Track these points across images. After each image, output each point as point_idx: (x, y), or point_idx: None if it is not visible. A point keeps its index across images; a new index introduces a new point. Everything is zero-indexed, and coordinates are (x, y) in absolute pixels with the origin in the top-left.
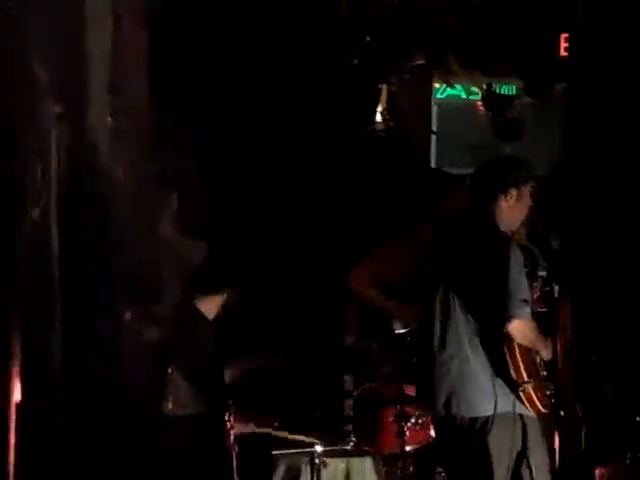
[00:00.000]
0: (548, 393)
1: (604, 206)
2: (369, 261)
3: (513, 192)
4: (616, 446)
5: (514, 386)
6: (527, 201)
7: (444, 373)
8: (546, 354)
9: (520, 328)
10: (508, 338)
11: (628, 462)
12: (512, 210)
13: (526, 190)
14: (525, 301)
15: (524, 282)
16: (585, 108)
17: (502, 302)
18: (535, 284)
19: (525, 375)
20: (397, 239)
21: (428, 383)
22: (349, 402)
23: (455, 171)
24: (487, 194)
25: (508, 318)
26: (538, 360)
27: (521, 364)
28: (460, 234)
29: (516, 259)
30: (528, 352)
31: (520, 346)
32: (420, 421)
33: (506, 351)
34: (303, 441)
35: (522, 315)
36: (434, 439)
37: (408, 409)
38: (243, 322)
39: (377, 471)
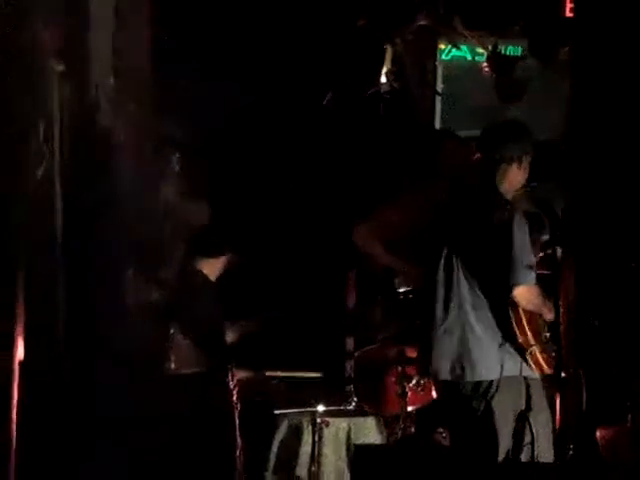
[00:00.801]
0: (553, 354)
1: (608, 169)
2: (375, 218)
3: (520, 159)
4: (617, 408)
5: (521, 349)
6: (527, 167)
7: (448, 337)
8: (550, 317)
9: (525, 294)
10: (513, 303)
11: (629, 424)
12: (516, 175)
13: (529, 157)
14: (530, 267)
15: (528, 248)
16: (591, 69)
17: (507, 268)
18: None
19: (532, 338)
20: (402, 198)
21: (431, 346)
22: (351, 363)
23: (459, 133)
24: (493, 159)
25: (513, 284)
26: (542, 322)
27: (527, 327)
28: (465, 199)
29: (520, 225)
30: (533, 315)
31: (525, 310)
32: (421, 382)
33: (511, 315)
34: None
35: (527, 281)
36: (435, 400)
37: (409, 370)
38: (245, 283)
39: (379, 431)
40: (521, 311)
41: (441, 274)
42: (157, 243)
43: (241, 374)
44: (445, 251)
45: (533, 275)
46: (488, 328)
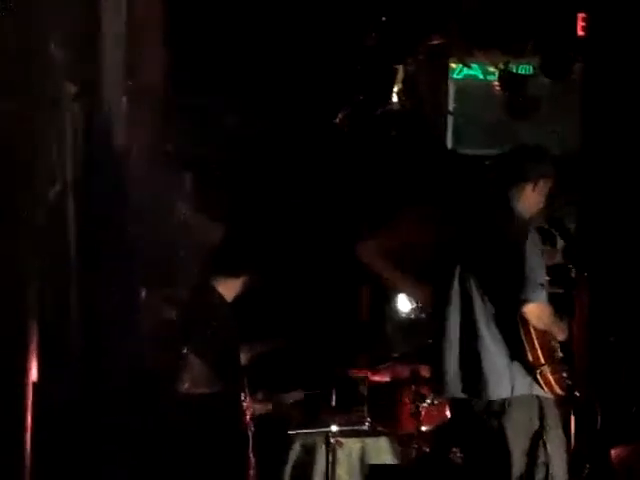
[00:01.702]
0: (565, 375)
1: (622, 187)
2: (381, 234)
3: (539, 182)
4: (632, 427)
5: (531, 369)
6: (547, 190)
7: (459, 355)
8: (562, 337)
9: (535, 312)
10: (524, 321)
11: None
12: (533, 197)
13: (549, 181)
14: (541, 285)
15: (541, 266)
16: (603, 88)
17: (518, 285)
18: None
19: (542, 358)
20: (410, 216)
21: (443, 364)
22: (365, 382)
23: (472, 152)
24: (512, 180)
25: (523, 301)
26: (554, 342)
27: (538, 347)
28: (479, 217)
29: (534, 243)
30: (545, 334)
31: (536, 329)
32: (435, 401)
33: (522, 334)
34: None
35: (537, 299)
36: (450, 419)
37: (423, 389)
38: (260, 304)
39: (392, 451)
40: (532, 330)
41: (454, 291)
42: (172, 262)
43: (259, 405)
44: (458, 268)
45: (544, 293)
46: (500, 346)
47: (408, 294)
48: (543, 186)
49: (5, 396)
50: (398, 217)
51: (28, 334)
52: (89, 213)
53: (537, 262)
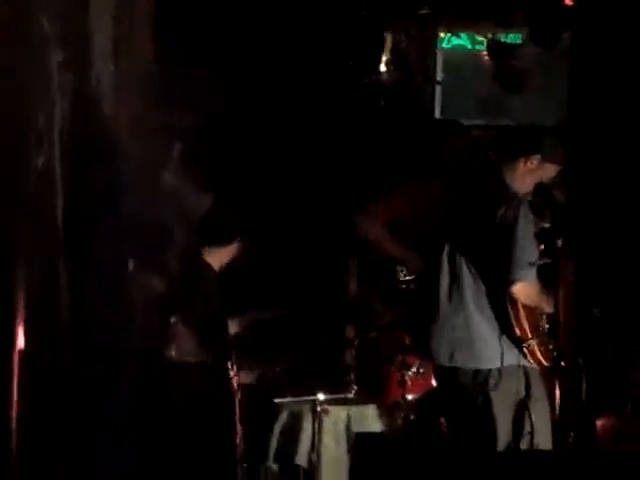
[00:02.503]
0: (551, 347)
1: (609, 157)
2: (378, 205)
3: (535, 160)
4: (617, 397)
5: (518, 342)
6: (544, 170)
7: (448, 325)
8: (550, 310)
9: (524, 291)
10: (512, 298)
11: (628, 413)
12: (528, 175)
13: (547, 162)
14: (531, 264)
15: (532, 244)
16: (591, 57)
17: (507, 264)
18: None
19: (529, 332)
20: (406, 187)
21: (431, 334)
22: (351, 351)
23: (460, 121)
24: (509, 156)
25: (512, 280)
26: (541, 315)
27: (525, 321)
28: (472, 192)
29: (526, 221)
30: (532, 309)
31: (524, 305)
32: (421, 370)
33: (510, 309)
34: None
35: (527, 278)
36: (435, 388)
37: (409, 358)
38: (247, 273)
39: (379, 419)
40: (520, 305)
41: (444, 263)
42: (159, 233)
43: (245, 375)
44: (449, 241)
45: (534, 272)
46: (488, 318)
47: (401, 264)
48: (538, 164)
49: None
50: (396, 188)
51: (15, 303)
52: (76, 182)
53: (529, 241)
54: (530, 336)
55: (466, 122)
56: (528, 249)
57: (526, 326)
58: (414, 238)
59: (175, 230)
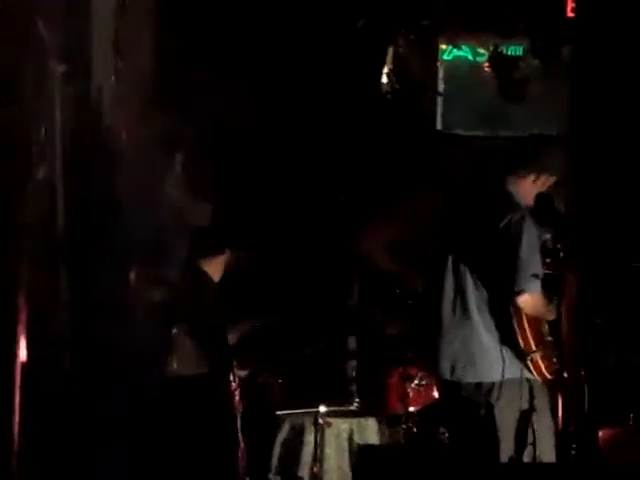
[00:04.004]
0: (555, 360)
1: (610, 167)
2: (379, 224)
3: (543, 177)
4: (619, 408)
5: (522, 354)
6: (548, 184)
7: (451, 338)
8: (552, 318)
9: (529, 302)
10: (517, 309)
11: (631, 424)
12: (532, 189)
13: (552, 177)
14: (536, 275)
15: (536, 256)
16: (592, 69)
17: (512, 275)
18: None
19: (533, 344)
20: (405, 202)
21: (434, 347)
22: (353, 363)
23: (460, 132)
24: (515, 168)
25: (518, 292)
26: (545, 328)
27: (529, 333)
28: (475, 203)
29: (530, 232)
30: (536, 321)
31: (529, 317)
32: (423, 382)
33: (514, 320)
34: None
35: (532, 289)
36: (438, 400)
37: (411, 370)
38: (248, 284)
39: (381, 432)
40: (524, 317)
41: (449, 276)
42: (160, 243)
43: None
44: (453, 253)
45: (538, 284)
46: (491, 331)
47: (401, 282)
48: (545, 180)
49: None
50: (396, 206)
51: (17, 314)
52: (77, 192)
53: (534, 252)
54: (534, 349)
55: (467, 133)
56: (533, 261)
57: (530, 338)
58: (417, 251)
59: (175, 240)
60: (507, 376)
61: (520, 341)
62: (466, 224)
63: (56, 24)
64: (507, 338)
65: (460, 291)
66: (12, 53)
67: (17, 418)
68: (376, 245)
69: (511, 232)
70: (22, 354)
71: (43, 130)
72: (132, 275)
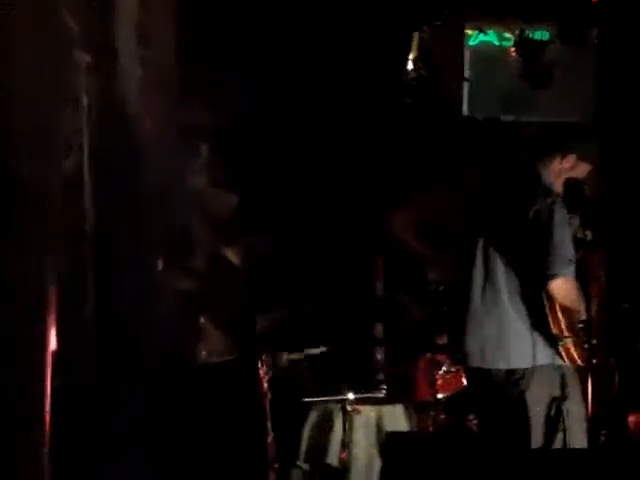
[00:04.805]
0: (586, 346)
1: (639, 152)
2: (409, 205)
3: (571, 158)
4: None
5: (554, 340)
6: (579, 169)
7: (481, 324)
8: (583, 306)
9: (563, 287)
10: (549, 295)
11: None
12: (563, 173)
13: (584, 163)
14: (570, 260)
15: (569, 241)
16: (619, 53)
17: (545, 259)
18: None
19: (565, 330)
20: (437, 185)
21: (464, 333)
22: (381, 350)
23: (488, 117)
24: (545, 152)
25: (552, 276)
26: (576, 314)
27: (561, 319)
28: (506, 188)
29: (562, 216)
30: (568, 307)
31: (561, 301)
32: (452, 369)
33: (547, 305)
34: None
35: (565, 273)
36: (466, 387)
37: (440, 357)
38: (275, 271)
39: (409, 418)
40: (557, 302)
41: (479, 260)
42: (187, 232)
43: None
44: (483, 238)
45: (572, 268)
46: (523, 317)
47: (433, 265)
48: (574, 163)
49: (25, 365)
50: (428, 187)
51: (46, 304)
52: (104, 183)
53: (566, 237)
54: (566, 334)
55: (493, 118)
56: (566, 245)
57: (563, 323)
58: (447, 236)
59: (202, 229)
60: (539, 362)
61: (552, 327)
62: (497, 209)
63: (83, 14)
64: (539, 324)
65: (490, 276)
66: (39, 45)
67: (48, 405)
68: (405, 224)
69: (542, 217)
70: (52, 343)
71: (69, 120)
72: (159, 264)
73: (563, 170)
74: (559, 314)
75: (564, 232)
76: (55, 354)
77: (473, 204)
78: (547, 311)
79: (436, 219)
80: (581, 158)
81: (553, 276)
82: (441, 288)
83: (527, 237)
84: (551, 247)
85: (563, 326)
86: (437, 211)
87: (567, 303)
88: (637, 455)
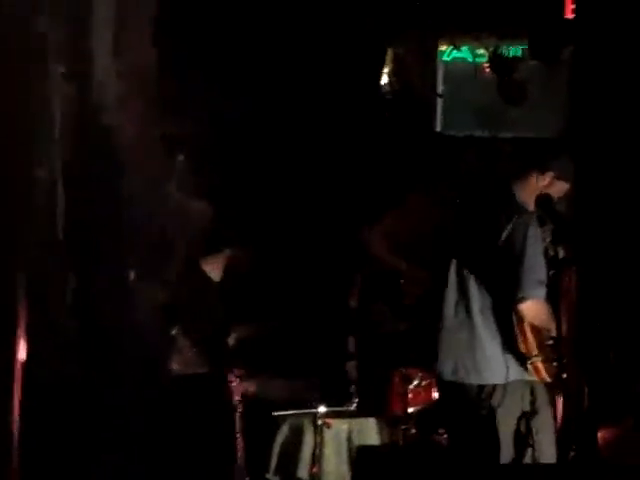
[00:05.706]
0: (554, 364)
1: (610, 168)
2: (384, 221)
3: (548, 177)
4: (619, 409)
5: (522, 358)
6: (555, 187)
7: (453, 340)
8: (553, 325)
9: (533, 308)
10: (519, 315)
11: (630, 425)
12: (538, 191)
13: (560, 181)
14: (540, 282)
15: (541, 262)
16: (592, 70)
17: (516, 280)
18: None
19: (534, 348)
20: (411, 201)
21: (435, 348)
22: (352, 364)
23: (460, 134)
24: (522, 170)
25: (521, 298)
26: (546, 332)
27: (530, 338)
28: (480, 205)
29: (535, 238)
30: (537, 327)
31: (530, 321)
32: (423, 383)
33: (516, 324)
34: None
35: (536, 296)
36: (437, 401)
37: (411, 371)
38: (250, 284)
39: (380, 432)
40: (526, 322)
41: (452, 276)
42: (161, 243)
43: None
44: (456, 254)
45: (543, 290)
46: (494, 334)
47: (407, 279)
48: (550, 181)
49: None
50: (404, 203)
51: (17, 312)
52: (78, 192)
53: (538, 258)
54: (535, 353)
55: (466, 134)
56: (537, 267)
57: (531, 343)
58: (419, 252)
59: (176, 241)
60: (510, 379)
61: (520, 346)
62: (470, 227)
63: (57, 24)
64: (509, 342)
65: (463, 293)
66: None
67: (16, 416)
68: (380, 240)
69: (515, 238)
70: (21, 354)
71: (44, 130)
72: (132, 274)
73: (539, 189)
74: (528, 334)
75: (536, 253)
76: (28, 362)
77: (447, 221)
78: (516, 331)
79: (410, 234)
80: (558, 177)
81: (522, 298)
82: (415, 300)
83: (500, 256)
84: (522, 268)
85: (532, 345)
86: (411, 227)
87: (537, 323)
88: (606, 471)
